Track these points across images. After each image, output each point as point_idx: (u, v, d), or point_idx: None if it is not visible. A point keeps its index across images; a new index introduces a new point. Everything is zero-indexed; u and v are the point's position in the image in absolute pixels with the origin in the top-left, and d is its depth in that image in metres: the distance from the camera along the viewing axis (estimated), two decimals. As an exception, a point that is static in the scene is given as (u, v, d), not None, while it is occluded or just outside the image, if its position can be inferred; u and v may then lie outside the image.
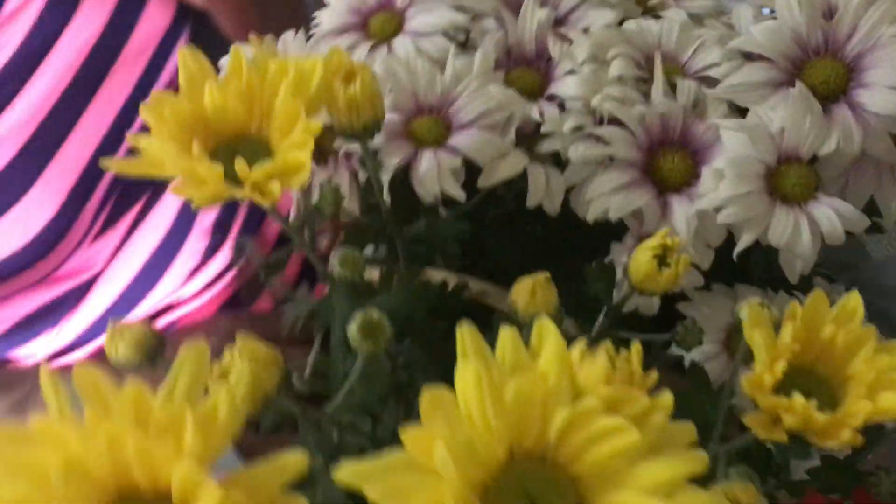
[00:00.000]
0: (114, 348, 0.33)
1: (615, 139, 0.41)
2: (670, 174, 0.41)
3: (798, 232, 0.38)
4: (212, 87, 0.33)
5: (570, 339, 0.27)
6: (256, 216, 0.85)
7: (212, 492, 0.25)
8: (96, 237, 0.77)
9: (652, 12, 0.49)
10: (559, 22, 0.46)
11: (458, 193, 0.41)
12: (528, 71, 0.45)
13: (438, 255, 0.44)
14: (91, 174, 0.73)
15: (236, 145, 0.34)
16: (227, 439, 0.27)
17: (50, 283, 0.76)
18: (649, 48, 0.44)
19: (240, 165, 0.31)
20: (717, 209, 0.39)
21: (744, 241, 0.39)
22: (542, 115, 0.42)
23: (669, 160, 0.41)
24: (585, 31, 0.45)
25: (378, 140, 0.42)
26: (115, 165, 0.33)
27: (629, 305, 0.39)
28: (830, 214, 0.38)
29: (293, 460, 0.26)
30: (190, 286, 0.83)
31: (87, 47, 0.72)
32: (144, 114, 0.33)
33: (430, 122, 0.42)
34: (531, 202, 0.42)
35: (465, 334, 0.27)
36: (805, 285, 0.41)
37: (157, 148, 0.32)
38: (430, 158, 0.41)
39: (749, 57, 0.42)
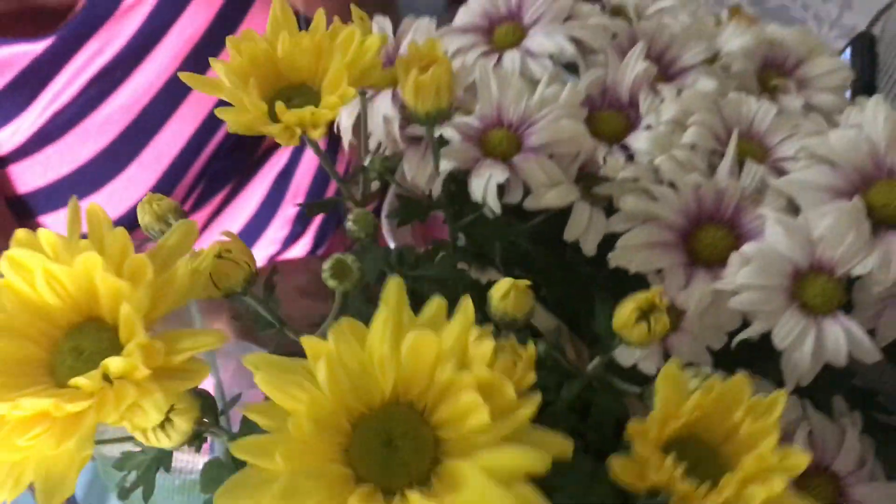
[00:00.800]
0: (142, 215, 0.37)
1: (663, 199, 0.41)
2: (706, 248, 0.41)
3: (802, 341, 0.38)
4: (287, 37, 0.37)
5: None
6: (338, 213, 0.90)
7: (139, 334, 0.29)
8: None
9: (770, 92, 0.48)
10: (663, 76, 0.47)
11: (496, 206, 0.42)
12: (616, 114, 0.46)
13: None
14: (183, 160, 0.79)
15: (292, 92, 0.37)
16: (179, 300, 0.31)
17: None
18: (738, 123, 0.44)
19: (279, 105, 0.35)
20: (733, 293, 0.39)
21: (748, 332, 0.39)
22: (605, 160, 0.44)
23: (711, 235, 0.42)
24: (680, 92, 0.45)
25: (454, 135, 0.44)
26: (187, 77, 0.37)
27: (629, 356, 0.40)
28: (839, 335, 0.37)
29: (210, 337, 0.30)
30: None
31: (192, 42, 0.79)
32: (228, 44, 0.37)
33: (504, 136, 0.45)
34: (568, 235, 0.43)
35: (393, 286, 0.29)
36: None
37: (223, 73, 0.36)
38: (488, 167, 0.43)
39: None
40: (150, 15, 0.77)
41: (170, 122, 0.78)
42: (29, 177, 0.74)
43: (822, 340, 0.38)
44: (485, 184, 0.42)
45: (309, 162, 0.90)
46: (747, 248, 0.39)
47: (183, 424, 0.32)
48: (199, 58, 0.79)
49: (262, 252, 0.88)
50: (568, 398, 0.39)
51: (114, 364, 0.30)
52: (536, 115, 0.45)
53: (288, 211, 0.85)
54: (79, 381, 0.30)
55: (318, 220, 0.87)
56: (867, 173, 0.40)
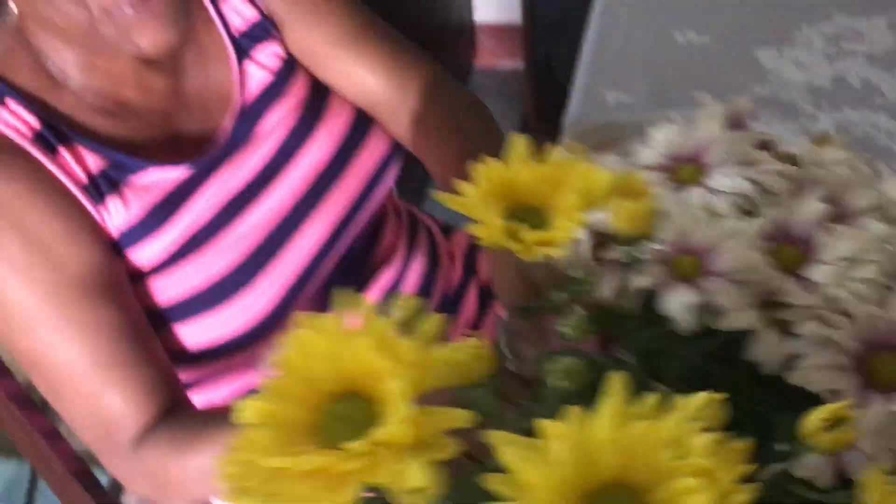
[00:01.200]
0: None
1: (842, 327, 0.46)
2: (880, 375, 0.45)
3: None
4: (526, 167, 0.44)
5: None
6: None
7: (404, 408, 0.35)
8: None
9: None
10: (836, 217, 0.52)
11: (688, 323, 0.48)
12: (790, 248, 0.51)
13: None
14: (306, 274, 0.87)
15: (524, 212, 0.44)
16: (435, 383, 0.37)
17: (257, 363, 0.90)
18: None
19: (523, 229, 0.42)
20: (909, 417, 0.43)
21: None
22: (786, 289, 0.49)
23: (887, 363, 0.46)
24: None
25: (649, 257, 0.50)
26: (441, 197, 0.44)
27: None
28: None
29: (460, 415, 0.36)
30: None
31: (317, 169, 0.88)
32: (474, 170, 0.44)
33: (692, 261, 0.50)
34: (753, 355, 0.48)
35: (618, 379, 0.35)
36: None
37: (470, 194, 0.43)
38: (680, 289, 0.49)
39: None
40: (280, 145, 0.86)
41: (294, 238, 0.86)
42: (168, 290, 0.82)
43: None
44: (678, 302, 0.48)
45: (414, 277, 0.98)
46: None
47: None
48: (324, 182, 0.88)
49: None
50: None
51: (382, 432, 0.36)
52: (721, 245, 0.50)
53: None
54: (353, 446, 0.36)
55: None
56: None
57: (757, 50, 1.18)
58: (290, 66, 0.90)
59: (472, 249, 1.07)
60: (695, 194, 0.54)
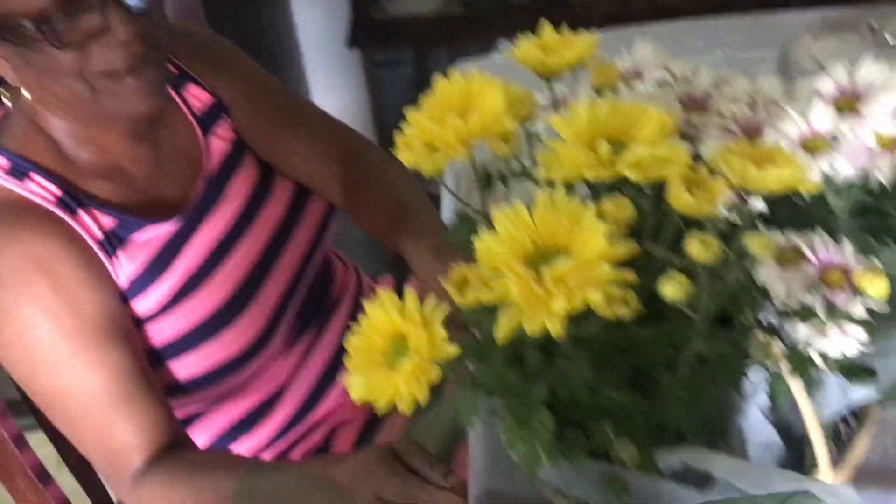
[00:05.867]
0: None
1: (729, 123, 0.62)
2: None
3: None
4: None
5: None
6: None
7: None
8: (285, 353, 1.08)
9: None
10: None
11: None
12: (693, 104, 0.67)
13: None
14: (285, 302, 1.05)
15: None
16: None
17: (247, 393, 1.06)
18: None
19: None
20: None
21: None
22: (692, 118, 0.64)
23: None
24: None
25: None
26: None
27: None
28: None
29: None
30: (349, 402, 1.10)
31: (277, 219, 1.06)
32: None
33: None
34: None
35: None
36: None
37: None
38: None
39: None
40: (246, 202, 1.04)
41: (271, 274, 1.03)
42: (170, 329, 0.96)
43: None
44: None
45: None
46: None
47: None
48: (284, 230, 1.06)
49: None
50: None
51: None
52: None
53: None
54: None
55: None
56: None
57: None
58: (242, 143, 1.07)
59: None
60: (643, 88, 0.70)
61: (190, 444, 0.94)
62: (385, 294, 0.56)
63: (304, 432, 1.11)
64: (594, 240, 0.49)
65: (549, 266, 0.49)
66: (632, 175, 0.51)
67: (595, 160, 0.52)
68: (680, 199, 0.51)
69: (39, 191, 0.89)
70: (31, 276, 0.85)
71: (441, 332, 0.54)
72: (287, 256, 1.06)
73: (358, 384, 0.56)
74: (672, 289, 0.50)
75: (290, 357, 1.08)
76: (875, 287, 0.54)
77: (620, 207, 0.52)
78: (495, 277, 0.51)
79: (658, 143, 0.53)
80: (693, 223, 0.59)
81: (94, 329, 0.87)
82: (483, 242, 0.52)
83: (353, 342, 0.57)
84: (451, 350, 0.54)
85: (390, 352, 0.56)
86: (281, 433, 1.10)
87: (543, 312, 0.49)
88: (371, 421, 1.14)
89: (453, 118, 0.55)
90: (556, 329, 0.49)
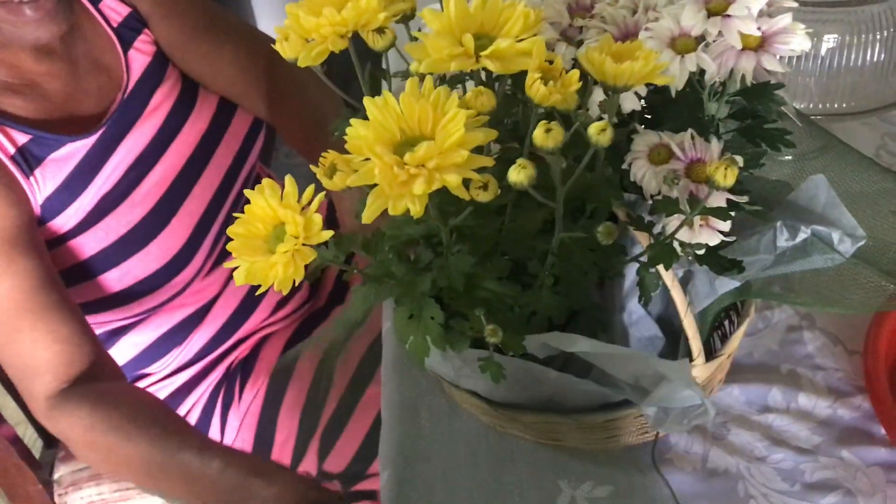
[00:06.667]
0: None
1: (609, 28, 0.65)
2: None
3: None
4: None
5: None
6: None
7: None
8: (209, 272, 1.10)
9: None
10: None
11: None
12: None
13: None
14: (208, 218, 1.07)
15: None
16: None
17: (175, 307, 1.08)
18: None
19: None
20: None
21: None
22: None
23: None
24: None
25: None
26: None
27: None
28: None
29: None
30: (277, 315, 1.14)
31: (200, 134, 1.08)
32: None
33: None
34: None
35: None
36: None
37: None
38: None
39: None
40: (166, 117, 1.05)
41: (194, 190, 1.05)
42: (91, 244, 0.98)
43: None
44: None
45: None
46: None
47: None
48: (207, 146, 1.07)
49: (272, 300, 1.16)
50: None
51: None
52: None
53: None
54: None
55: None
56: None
57: None
58: (164, 56, 1.07)
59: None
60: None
61: (113, 371, 0.94)
62: (266, 182, 0.59)
63: (232, 345, 1.14)
64: (455, 126, 0.52)
65: (411, 151, 0.52)
66: (492, 67, 0.54)
67: (461, 52, 0.55)
68: (536, 90, 0.54)
69: None
70: None
71: (317, 218, 0.57)
72: (210, 172, 1.07)
73: (241, 268, 0.59)
74: (517, 174, 0.53)
75: (217, 272, 1.11)
76: (725, 177, 0.57)
77: (482, 97, 0.55)
78: (363, 163, 0.53)
79: (523, 37, 0.55)
80: (566, 120, 0.62)
81: (3, 239, 0.88)
82: (353, 129, 0.54)
83: (236, 229, 0.59)
84: (325, 234, 0.57)
85: (271, 238, 0.59)
86: (209, 346, 1.13)
87: (406, 195, 0.52)
88: (297, 331, 1.17)
89: (329, 10, 0.57)
90: (416, 210, 0.52)
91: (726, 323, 0.80)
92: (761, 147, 0.70)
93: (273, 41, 1.12)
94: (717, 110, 0.70)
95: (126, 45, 1.03)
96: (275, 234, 0.59)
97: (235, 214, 0.59)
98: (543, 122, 0.53)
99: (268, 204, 0.58)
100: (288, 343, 1.15)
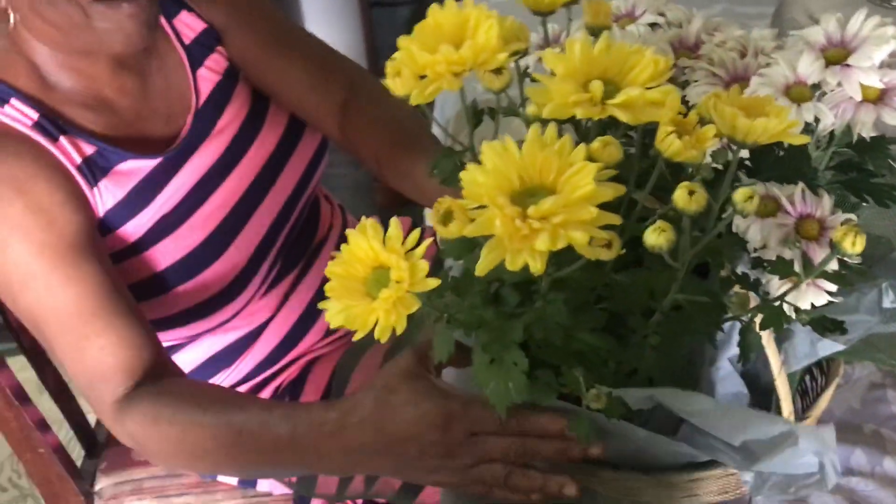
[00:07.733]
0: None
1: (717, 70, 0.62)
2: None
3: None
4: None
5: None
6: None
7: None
8: (265, 293, 1.07)
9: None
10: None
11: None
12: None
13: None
14: (267, 243, 1.04)
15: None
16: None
17: (227, 329, 1.06)
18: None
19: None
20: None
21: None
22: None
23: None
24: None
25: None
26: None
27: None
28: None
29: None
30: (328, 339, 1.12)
31: (265, 157, 1.05)
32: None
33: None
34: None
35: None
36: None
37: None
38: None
39: None
40: (233, 140, 1.02)
41: (253, 215, 1.02)
42: (151, 264, 0.96)
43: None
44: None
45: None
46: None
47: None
48: (271, 169, 1.05)
49: (324, 324, 1.11)
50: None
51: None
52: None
53: None
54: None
55: None
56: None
57: None
58: (235, 73, 1.04)
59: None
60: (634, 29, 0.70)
61: (174, 370, 0.92)
62: (369, 223, 0.56)
63: (281, 367, 1.12)
64: (582, 179, 0.49)
65: (534, 203, 0.49)
66: (622, 116, 0.51)
67: (586, 99, 0.52)
68: (669, 144, 0.51)
69: (16, 115, 0.87)
70: (5, 197, 0.84)
71: (423, 264, 0.54)
72: (273, 195, 1.04)
73: (336, 311, 0.56)
74: (656, 238, 0.50)
75: (271, 296, 1.08)
76: (854, 245, 0.54)
77: (609, 148, 0.52)
78: (479, 211, 0.51)
79: (651, 86, 0.53)
80: (676, 171, 0.60)
81: (68, 247, 0.86)
82: (469, 174, 0.51)
83: (334, 269, 0.57)
84: (432, 282, 0.54)
85: (370, 281, 0.56)
86: (258, 368, 1.10)
87: (526, 249, 0.49)
88: (346, 357, 1.14)
89: (446, 47, 0.54)
90: (536, 267, 0.49)
91: (807, 378, 0.77)
92: (867, 202, 0.68)
93: (348, 60, 1.12)
94: (823, 161, 0.67)
95: (196, 63, 1.01)
96: (374, 278, 0.56)
97: (333, 253, 0.57)
98: (686, 183, 0.50)
99: (370, 246, 0.56)
100: (337, 366, 1.12)
